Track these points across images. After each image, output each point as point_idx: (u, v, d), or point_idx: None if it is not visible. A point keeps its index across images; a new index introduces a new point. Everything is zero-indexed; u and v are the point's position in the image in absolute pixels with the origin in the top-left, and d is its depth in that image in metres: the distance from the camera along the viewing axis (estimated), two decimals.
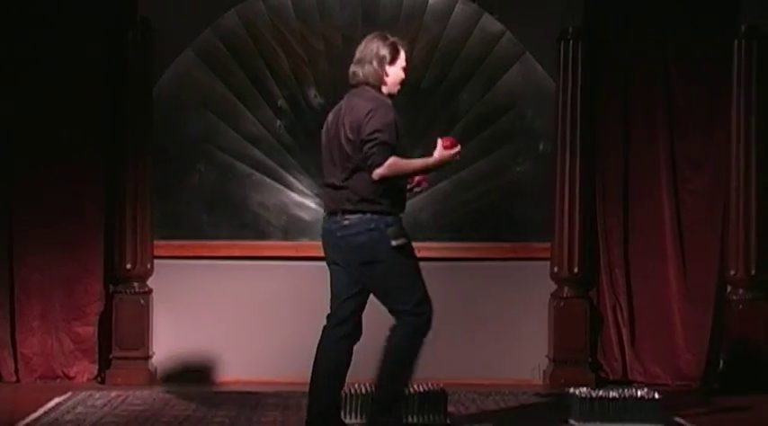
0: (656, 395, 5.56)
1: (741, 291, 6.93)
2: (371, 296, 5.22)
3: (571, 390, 5.69)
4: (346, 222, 4.99)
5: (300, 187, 7.16)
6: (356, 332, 5.17)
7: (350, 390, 5.55)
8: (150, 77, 6.94)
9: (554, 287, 7.01)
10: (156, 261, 6.97)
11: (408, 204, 7.15)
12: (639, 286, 7.07)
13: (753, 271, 6.89)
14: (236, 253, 7.05)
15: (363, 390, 5.56)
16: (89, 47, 6.85)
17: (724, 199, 7.01)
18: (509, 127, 7.14)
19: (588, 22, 7.00)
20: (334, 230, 5.05)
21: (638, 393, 5.61)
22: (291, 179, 7.15)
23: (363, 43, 5.21)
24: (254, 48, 7.09)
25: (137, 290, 6.88)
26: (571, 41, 6.90)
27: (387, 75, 5.15)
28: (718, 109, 7.00)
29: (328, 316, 5.23)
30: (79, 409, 5.95)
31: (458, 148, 5.14)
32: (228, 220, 7.11)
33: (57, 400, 6.15)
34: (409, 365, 5.06)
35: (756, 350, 6.81)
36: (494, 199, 7.16)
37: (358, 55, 5.17)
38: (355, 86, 5.18)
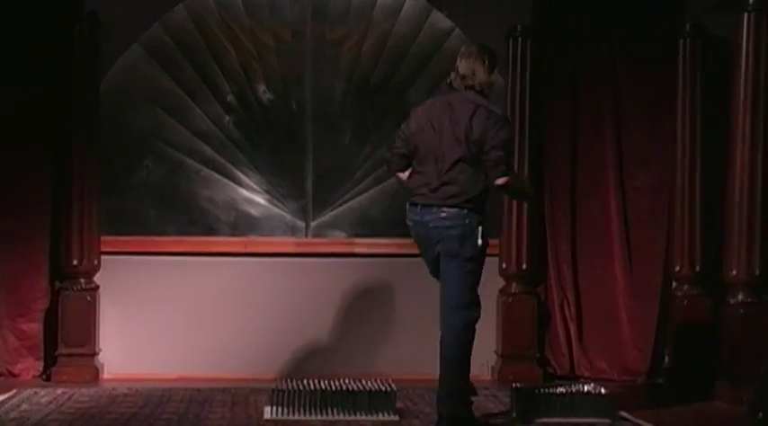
0: (603, 391, 5.62)
1: (686, 287, 7.00)
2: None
3: (519, 385, 5.72)
4: (444, 214, 5.28)
5: (249, 183, 7.14)
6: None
7: (303, 386, 5.54)
8: (97, 72, 6.87)
9: (502, 283, 7.05)
10: (102, 257, 6.90)
11: (357, 200, 7.24)
12: (587, 282, 7.12)
13: (697, 268, 6.96)
14: (185, 249, 7.02)
15: (314, 386, 5.56)
16: (35, 41, 6.76)
17: (669, 197, 7.08)
18: None
19: (537, 20, 7.04)
20: (427, 221, 5.31)
21: (585, 388, 5.66)
22: (240, 175, 7.13)
23: (472, 48, 5.51)
24: (203, 43, 7.05)
25: (83, 287, 6.82)
26: (520, 39, 6.94)
27: (490, 83, 5.49)
28: (664, 107, 7.07)
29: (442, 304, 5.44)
30: (24, 407, 5.88)
31: None
32: (176, 216, 7.07)
33: (2, 397, 6.08)
34: (467, 356, 5.39)
35: (701, 345, 6.88)
36: None
37: (467, 60, 5.46)
38: (455, 89, 5.45)
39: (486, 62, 5.44)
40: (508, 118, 5.48)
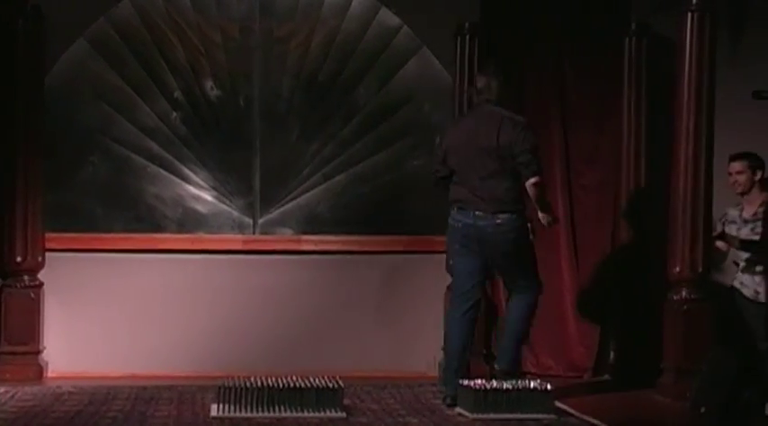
0: (548, 387, 5.66)
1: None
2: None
3: (465, 382, 5.74)
4: (499, 221, 5.97)
5: (196, 179, 7.10)
6: (479, 306, 6.21)
7: (246, 384, 5.53)
8: (42, 67, 6.80)
9: (449, 280, 7.06)
10: (47, 254, 6.84)
11: (305, 197, 7.23)
12: None
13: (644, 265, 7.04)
14: (131, 246, 6.97)
15: (260, 384, 5.55)
16: None
17: (615, 195, 7.15)
18: (406, 120, 7.19)
19: (485, 17, 7.07)
20: (484, 226, 5.99)
21: (531, 384, 5.70)
22: (187, 171, 7.09)
23: (489, 65, 6.32)
24: (150, 38, 7.00)
25: (27, 284, 6.74)
26: (468, 36, 6.96)
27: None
28: (610, 106, 7.14)
29: (454, 296, 6.20)
30: None
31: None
32: (123, 213, 7.02)
33: None
34: (527, 333, 6.30)
35: (645, 341, 6.95)
36: (391, 192, 7.20)
37: (484, 76, 6.15)
38: (480, 104, 6.10)
39: (502, 77, 6.11)
40: (530, 125, 6.09)
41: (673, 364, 6.30)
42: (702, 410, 5.73)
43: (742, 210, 6.54)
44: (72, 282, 6.90)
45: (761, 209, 6.52)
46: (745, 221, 6.51)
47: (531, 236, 6.11)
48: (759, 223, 6.51)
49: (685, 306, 6.32)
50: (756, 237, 6.47)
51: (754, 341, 6.49)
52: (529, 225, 6.09)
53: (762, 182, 6.45)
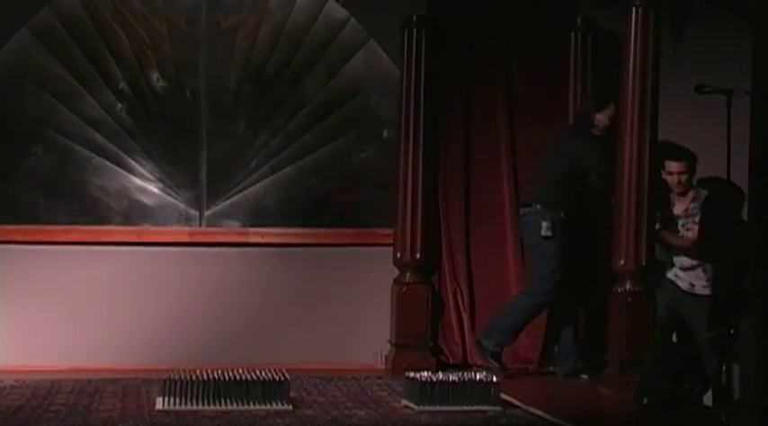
0: (495, 379, 5.69)
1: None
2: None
3: (412, 374, 5.76)
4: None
5: (142, 171, 7.05)
6: None
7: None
8: None
9: (396, 272, 7.09)
10: None
11: (252, 189, 7.21)
12: (480, 271, 7.20)
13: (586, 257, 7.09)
14: (75, 239, 6.91)
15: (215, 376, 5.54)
16: None
17: None
18: (353, 113, 7.19)
19: (432, 10, 7.08)
20: None
21: (477, 376, 5.72)
22: (133, 163, 7.04)
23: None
24: (95, 29, 6.94)
25: None
26: (415, 30, 6.97)
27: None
28: (557, 98, 7.19)
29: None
30: None
31: None
32: (67, 205, 6.95)
33: None
34: (520, 317, 6.75)
35: (591, 332, 7.02)
36: (337, 185, 7.20)
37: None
38: None
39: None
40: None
41: (617, 356, 6.37)
42: (645, 401, 5.79)
43: (673, 207, 6.65)
44: (15, 275, 6.82)
45: (692, 206, 6.63)
46: (677, 217, 6.63)
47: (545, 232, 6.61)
48: (689, 219, 6.62)
49: (629, 299, 6.38)
50: (688, 233, 6.59)
51: (693, 332, 6.59)
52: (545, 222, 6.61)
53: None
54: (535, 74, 7.19)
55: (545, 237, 6.64)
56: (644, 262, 6.38)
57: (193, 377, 5.52)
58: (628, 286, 6.41)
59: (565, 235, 6.67)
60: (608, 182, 6.58)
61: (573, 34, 7.09)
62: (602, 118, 6.69)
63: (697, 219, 6.62)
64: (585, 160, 6.69)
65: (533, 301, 6.74)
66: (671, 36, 7.02)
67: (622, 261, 6.40)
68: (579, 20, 7.08)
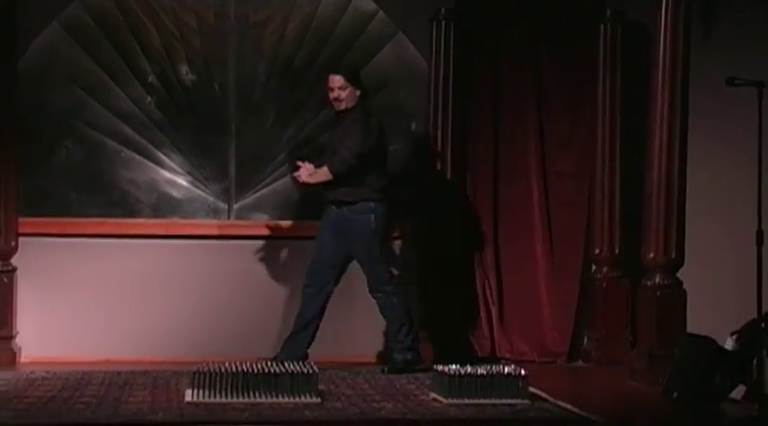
0: (523, 372, 5.67)
1: (605, 270, 7.12)
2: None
3: (440, 367, 5.76)
4: None
5: (171, 164, 7.08)
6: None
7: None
8: (15, 51, 6.75)
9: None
10: (21, 238, 6.80)
11: (281, 182, 7.21)
12: (508, 265, 7.20)
13: (616, 250, 7.08)
14: (105, 231, 6.94)
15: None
16: None
17: (590, 181, 7.18)
18: (381, 106, 7.16)
19: (460, 3, 7.07)
20: None
21: (505, 369, 5.71)
22: (162, 156, 7.06)
23: None
24: (124, 22, 6.97)
25: (0, 269, 6.71)
26: (443, 22, 6.97)
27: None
28: (585, 92, 7.17)
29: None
30: None
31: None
32: (97, 197, 6.99)
33: None
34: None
35: (618, 326, 7.00)
36: None
37: None
38: None
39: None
40: None
41: (646, 349, 6.34)
42: (675, 395, 5.76)
43: None
44: (46, 267, 6.87)
45: None
46: None
47: None
48: None
49: (659, 292, 6.35)
50: None
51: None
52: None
53: None
54: (564, 67, 7.17)
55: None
56: (674, 255, 6.35)
57: (222, 370, 5.54)
58: (657, 279, 6.38)
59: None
60: (339, 162, 6.34)
61: (602, 27, 7.06)
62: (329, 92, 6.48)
63: None
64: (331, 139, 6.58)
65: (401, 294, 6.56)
66: (701, 28, 6.99)
67: (652, 254, 6.37)
68: (608, 12, 7.05)
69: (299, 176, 6.45)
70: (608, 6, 7.06)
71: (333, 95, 6.44)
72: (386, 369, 6.44)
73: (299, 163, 6.47)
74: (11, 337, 6.72)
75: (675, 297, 6.35)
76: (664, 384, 5.88)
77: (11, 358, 6.66)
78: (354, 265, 6.60)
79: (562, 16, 7.14)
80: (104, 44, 6.96)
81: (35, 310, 6.83)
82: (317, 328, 6.53)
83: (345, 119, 6.45)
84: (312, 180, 6.43)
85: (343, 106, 6.44)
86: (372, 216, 6.41)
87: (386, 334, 6.73)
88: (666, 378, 5.89)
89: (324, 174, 6.39)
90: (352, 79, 6.44)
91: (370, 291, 6.51)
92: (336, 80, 6.42)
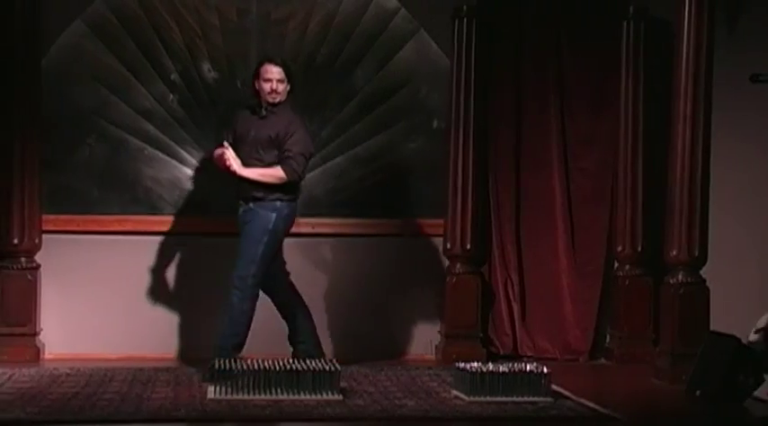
0: (545, 370, 5.66)
1: (627, 267, 7.09)
2: None
3: (462, 365, 5.76)
4: None
5: (194, 162, 7.09)
6: None
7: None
8: (39, 49, 6.78)
9: (447, 263, 7.08)
10: (44, 235, 6.84)
11: (304, 180, 7.19)
12: (530, 262, 7.18)
13: (639, 248, 7.06)
14: (128, 228, 6.97)
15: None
16: None
17: (612, 178, 7.16)
18: (403, 103, 7.18)
19: (482, 0, 7.05)
20: None
21: (527, 367, 5.70)
22: (184, 153, 7.08)
23: None
24: (147, 20, 6.99)
25: (24, 266, 6.74)
26: (465, 19, 6.95)
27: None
28: (608, 89, 7.14)
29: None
30: None
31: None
32: (120, 195, 7.01)
33: None
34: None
35: (641, 324, 6.98)
36: (388, 175, 7.19)
37: None
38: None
39: None
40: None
41: (669, 347, 6.32)
42: (698, 393, 5.74)
43: None
44: (69, 264, 6.90)
45: None
46: None
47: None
48: None
49: (682, 290, 6.32)
50: None
51: None
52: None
53: None
54: (586, 63, 7.15)
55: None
56: (697, 253, 6.32)
57: (245, 367, 5.56)
58: (680, 276, 6.35)
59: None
60: (293, 169, 6.16)
61: (625, 23, 7.04)
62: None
63: None
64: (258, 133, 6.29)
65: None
66: (725, 24, 6.95)
67: (675, 252, 6.34)
68: (631, 9, 7.02)
69: (231, 165, 6.12)
70: (631, 3, 7.03)
71: (271, 87, 6.19)
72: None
73: (225, 148, 6.17)
74: (35, 334, 6.76)
75: (698, 295, 6.32)
76: (687, 382, 5.86)
77: (35, 354, 6.69)
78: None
79: (585, 13, 7.12)
80: (127, 42, 6.98)
81: (58, 307, 6.86)
82: (303, 310, 6.41)
83: (274, 113, 6.20)
84: (259, 177, 6.14)
85: (277, 99, 6.21)
86: (275, 215, 6.17)
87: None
88: (690, 376, 5.87)
89: (275, 177, 6.13)
90: (289, 73, 6.27)
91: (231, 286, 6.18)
92: (277, 72, 6.20)
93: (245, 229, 6.21)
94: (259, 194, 6.17)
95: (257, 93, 6.27)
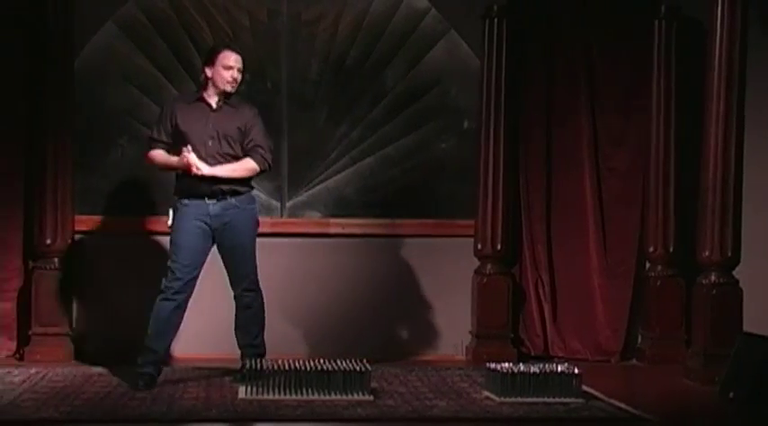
0: (576, 370, 5.65)
1: (659, 268, 7.06)
2: None
3: (493, 365, 5.75)
4: None
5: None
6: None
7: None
8: (71, 50, 6.82)
9: (477, 263, 7.07)
10: (76, 236, 6.88)
11: (333, 180, 7.22)
12: (561, 262, 7.16)
13: (671, 249, 7.02)
14: (159, 229, 6.97)
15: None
16: (8, 18, 6.71)
17: (644, 178, 7.13)
18: (434, 104, 7.17)
19: (513, 0, 7.03)
20: None
21: (559, 368, 5.69)
22: None
23: None
24: (178, 21, 7.02)
25: (56, 266, 6.79)
26: (496, 19, 6.93)
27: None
28: (639, 89, 7.11)
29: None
30: None
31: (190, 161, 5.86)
32: (151, 195, 7.03)
33: None
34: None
35: (673, 325, 6.94)
36: (418, 175, 7.19)
37: None
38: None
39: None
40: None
41: (701, 348, 6.28)
42: (731, 394, 5.70)
43: None
44: (101, 264, 6.93)
45: None
46: None
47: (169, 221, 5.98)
48: None
49: (714, 291, 6.29)
50: None
51: None
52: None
53: None
54: (618, 63, 7.11)
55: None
56: (729, 253, 6.28)
57: (275, 367, 5.57)
58: (713, 277, 6.31)
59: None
60: (264, 159, 5.97)
61: (656, 22, 7.00)
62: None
63: None
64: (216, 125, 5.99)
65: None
66: (758, 23, 6.89)
67: (707, 253, 6.31)
68: (663, 8, 6.98)
69: (200, 170, 5.80)
70: (663, 2, 6.99)
71: (234, 76, 5.90)
72: None
73: (187, 153, 5.81)
74: (67, 334, 6.79)
75: (731, 296, 6.29)
76: (720, 384, 5.82)
77: (67, 354, 6.73)
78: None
79: (616, 12, 7.08)
80: (158, 43, 7.01)
81: (90, 307, 6.89)
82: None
83: (229, 104, 5.95)
84: (232, 173, 5.88)
85: (235, 89, 5.96)
86: (255, 206, 6.05)
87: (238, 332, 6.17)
88: (723, 378, 5.83)
89: (248, 169, 5.93)
90: (244, 63, 6.05)
91: (240, 289, 6.03)
92: (237, 59, 5.94)
93: (236, 228, 5.94)
94: (241, 189, 5.94)
95: (207, 82, 5.94)
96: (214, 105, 5.96)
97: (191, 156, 5.82)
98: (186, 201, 5.93)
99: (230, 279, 6.07)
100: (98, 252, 6.93)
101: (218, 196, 5.92)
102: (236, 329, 6.09)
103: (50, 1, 6.69)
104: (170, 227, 5.99)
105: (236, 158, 5.95)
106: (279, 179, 7.12)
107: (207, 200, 5.91)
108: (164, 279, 5.94)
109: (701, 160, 6.39)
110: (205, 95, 5.97)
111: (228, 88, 5.93)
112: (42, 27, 6.71)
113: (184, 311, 5.99)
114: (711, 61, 6.27)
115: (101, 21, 6.93)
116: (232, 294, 6.56)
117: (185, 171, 5.88)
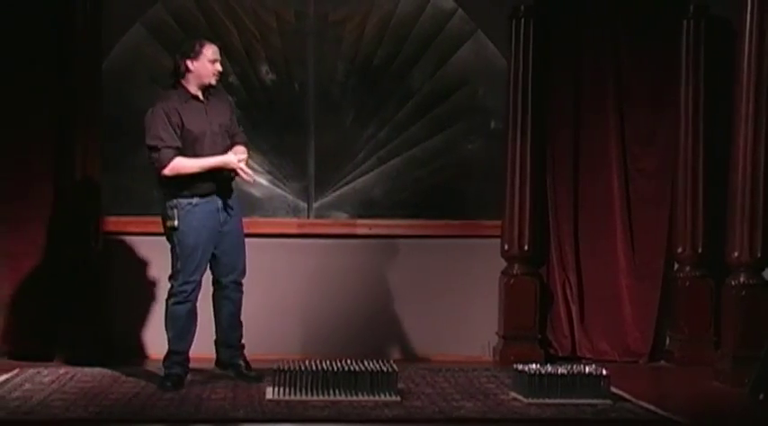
0: (604, 372, 5.62)
1: (688, 269, 7.02)
2: None
3: (520, 367, 5.73)
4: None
5: (251, 163, 7.06)
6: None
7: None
8: (100, 51, 6.86)
9: (504, 264, 7.05)
10: (104, 237, 6.91)
11: (360, 181, 7.22)
12: (589, 263, 7.13)
13: (700, 249, 6.98)
14: None
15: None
16: (37, 20, 6.75)
17: (672, 178, 7.09)
18: (461, 104, 7.17)
19: (540, 0, 7.01)
20: None
21: (586, 369, 5.67)
22: None
23: None
24: (205, 23, 7.04)
25: (84, 267, 6.81)
26: (523, 20, 6.92)
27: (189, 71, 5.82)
28: (668, 89, 7.07)
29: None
30: (26, 386, 5.90)
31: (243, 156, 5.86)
32: None
33: (4, 377, 6.09)
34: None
35: (702, 326, 6.90)
36: (445, 176, 7.19)
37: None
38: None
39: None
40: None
41: (730, 350, 6.24)
42: (761, 396, 5.66)
43: None
44: (127, 264, 6.96)
45: None
46: None
47: (168, 222, 5.83)
48: None
49: (744, 292, 6.25)
50: None
51: None
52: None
53: None
54: (645, 62, 7.08)
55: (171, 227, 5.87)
56: (759, 254, 6.23)
57: (303, 368, 5.58)
58: (742, 278, 6.27)
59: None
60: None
61: (685, 21, 6.96)
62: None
63: None
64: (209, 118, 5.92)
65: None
66: None
67: (737, 253, 6.27)
68: (691, 7, 6.94)
69: (250, 175, 5.97)
70: (691, 1, 6.95)
71: (218, 68, 5.85)
72: None
73: (243, 156, 5.87)
74: (96, 334, 6.82)
75: (761, 297, 6.25)
76: (750, 385, 5.78)
77: (96, 354, 6.75)
78: None
79: (643, 12, 7.05)
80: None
81: (116, 308, 6.92)
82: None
83: (212, 95, 5.90)
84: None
85: (217, 82, 5.91)
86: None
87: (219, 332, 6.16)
88: (752, 380, 5.79)
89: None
90: None
91: (230, 279, 5.98)
92: (218, 52, 5.89)
93: (236, 216, 5.95)
94: (232, 187, 5.95)
95: (187, 75, 5.82)
96: (202, 99, 5.88)
97: (240, 161, 5.82)
98: (195, 201, 5.81)
99: (221, 269, 5.96)
100: (123, 252, 6.95)
101: (226, 195, 5.92)
102: (226, 328, 6.07)
103: (79, 3, 6.73)
104: (174, 228, 5.82)
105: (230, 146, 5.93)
106: (306, 180, 7.14)
107: (217, 197, 5.87)
108: (173, 282, 5.89)
109: (731, 160, 6.35)
110: (191, 90, 5.86)
111: (213, 81, 5.86)
112: (71, 28, 6.76)
113: (197, 309, 5.97)
114: (741, 61, 6.23)
115: (129, 22, 6.96)
116: (261, 293, 6.62)
117: (223, 171, 5.81)
